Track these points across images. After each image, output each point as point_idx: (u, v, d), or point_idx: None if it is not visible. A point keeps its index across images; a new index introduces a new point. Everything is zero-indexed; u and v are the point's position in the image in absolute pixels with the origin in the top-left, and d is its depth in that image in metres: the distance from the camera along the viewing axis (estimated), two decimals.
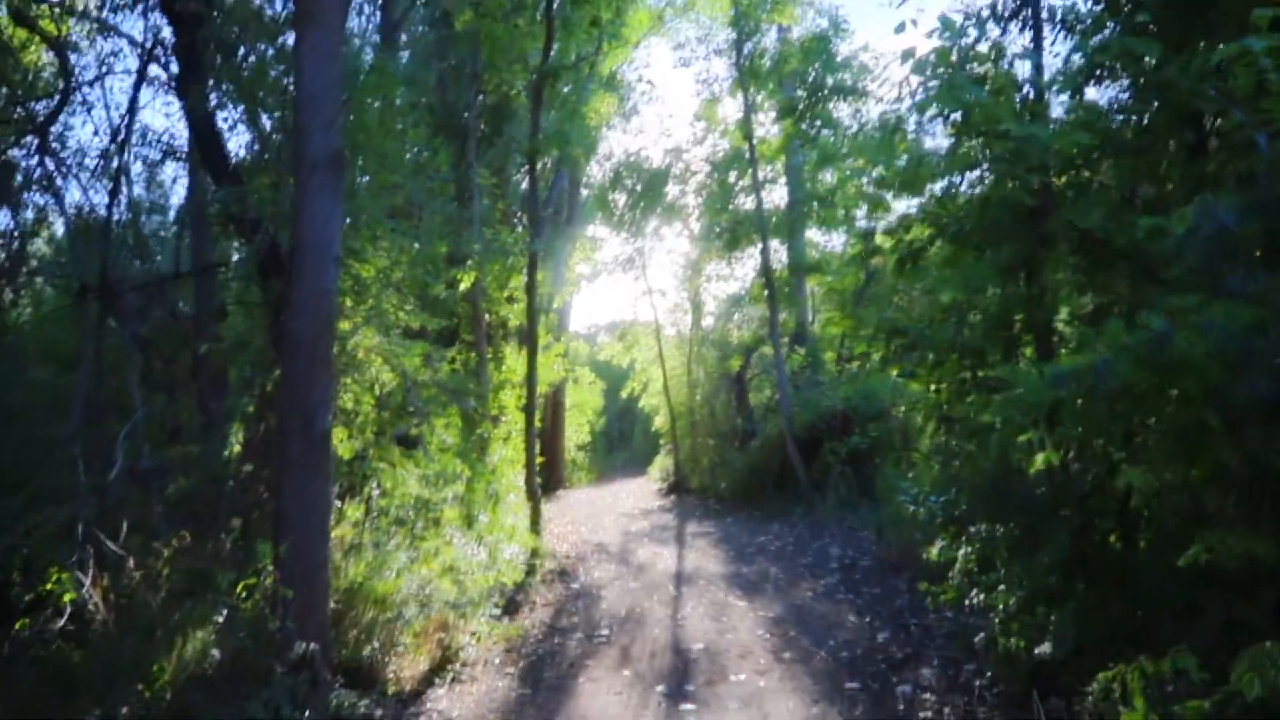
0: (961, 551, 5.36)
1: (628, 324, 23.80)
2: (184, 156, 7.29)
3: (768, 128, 16.93)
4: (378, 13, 14.97)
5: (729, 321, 20.69)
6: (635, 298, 21.26)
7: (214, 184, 5.99)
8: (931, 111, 4.10)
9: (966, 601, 5.43)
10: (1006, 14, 5.30)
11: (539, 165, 17.07)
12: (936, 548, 5.71)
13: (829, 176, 17.00)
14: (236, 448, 5.77)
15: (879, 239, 6.25)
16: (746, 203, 17.04)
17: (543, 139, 10.33)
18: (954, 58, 4.36)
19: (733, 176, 17.31)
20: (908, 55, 4.71)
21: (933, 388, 5.73)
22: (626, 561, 10.39)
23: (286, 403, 5.11)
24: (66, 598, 4.49)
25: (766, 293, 14.77)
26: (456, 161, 13.23)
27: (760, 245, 15.10)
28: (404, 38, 16.23)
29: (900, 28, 4.72)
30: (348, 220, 6.46)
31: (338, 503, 6.44)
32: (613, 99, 20.92)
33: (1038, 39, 5.31)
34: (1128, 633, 3.98)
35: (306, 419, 5.02)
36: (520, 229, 15.12)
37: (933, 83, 4.21)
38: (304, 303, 5.06)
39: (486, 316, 14.56)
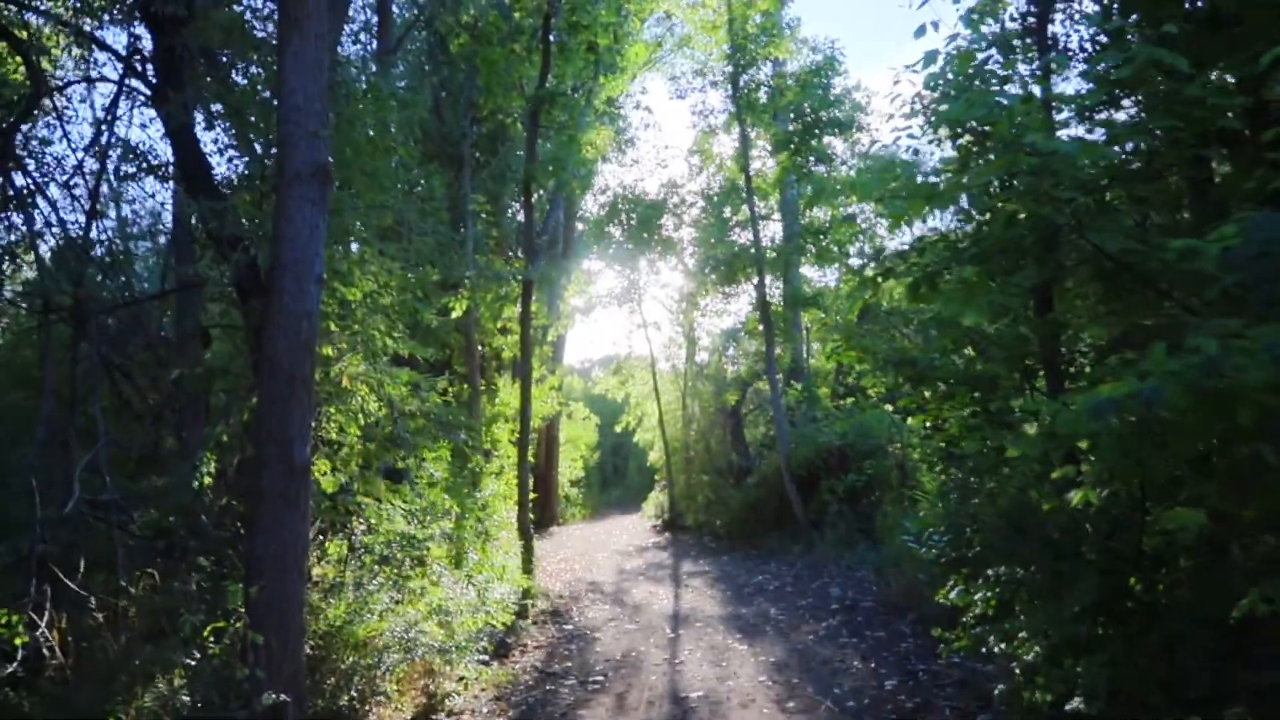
0: (978, 595, 5.03)
1: (622, 359, 23.54)
2: (165, 173, 7.03)
3: (764, 160, 16.90)
4: (374, 40, 15.01)
5: (724, 356, 20.49)
6: (630, 331, 20.98)
7: (193, 199, 5.74)
8: (951, 116, 3.85)
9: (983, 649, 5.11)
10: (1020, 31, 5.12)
11: (535, 194, 17.04)
12: (951, 590, 5.38)
13: (823, 213, 16.95)
14: (209, 479, 5.45)
15: (871, 270, 5.95)
16: (742, 236, 16.94)
17: (539, 166, 10.14)
18: (970, 69, 4.17)
19: (727, 211, 17.25)
20: (930, 58, 4.51)
21: (941, 421, 5.42)
22: (621, 601, 10.02)
23: (263, 431, 4.81)
24: (18, 641, 4.15)
25: (763, 326, 14.54)
26: (451, 187, 13.07)
27: (756, 279, 14.87)
28: (400, 67, 16.23)
29: (920, 31, 4.52)
30: (338, 247, 6.24)
31: (320, 539, 6.12)
32: (609, 131, 20.96)
33: (1044, 58, 5.14)
34: (1165, 686, 3.68)
35: (284, 448, 4.71)
36: (515, 259, 14.93)
37: (950, 91, 4.01)
38: (283, 324, 4.78)
39: (480, 348, 14.30)
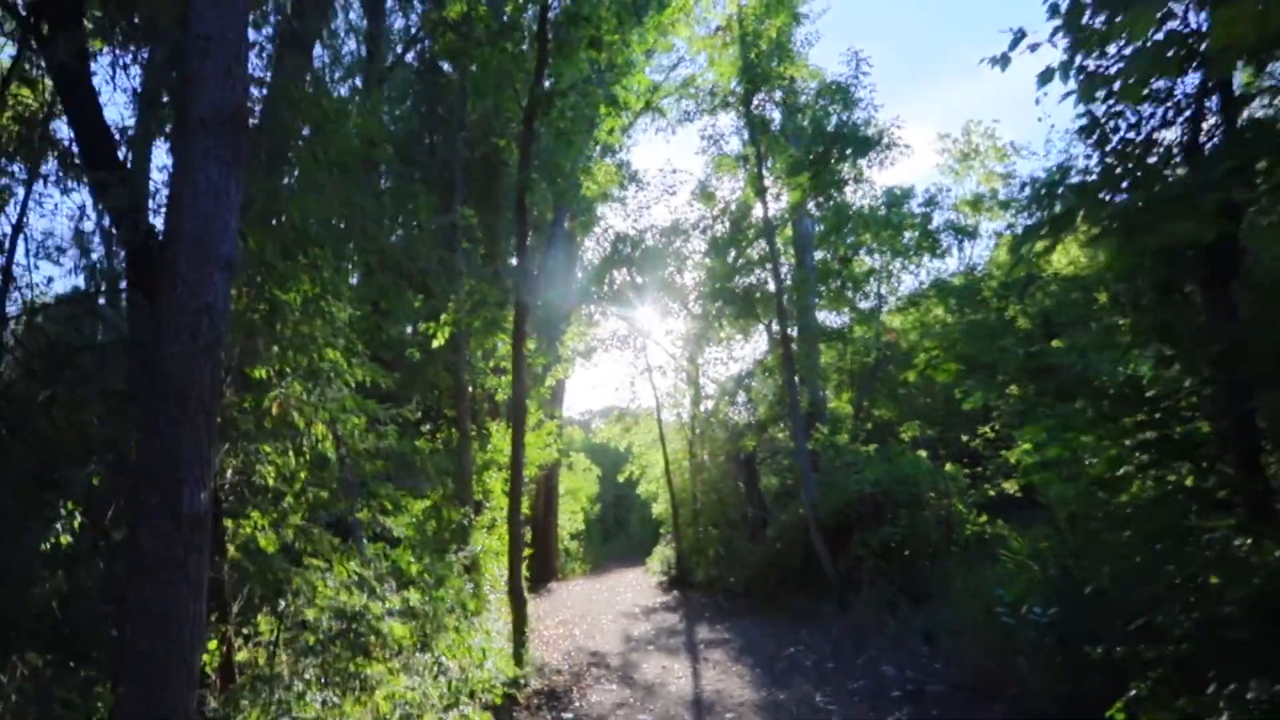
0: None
1: (625, 408, 22.26)
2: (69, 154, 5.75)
3: (778, 193, 15.76)
4: (362, 74, 14.08)
5: (734, 401, 19.15)
6: (633, 378, 19.78)
7: (86, 164, 4.50)
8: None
9: None
10: None
11: (531, 211, 15.90)
12: (1134, 704, 3.74)
13: (827, 255, 15.76)
14: (67, 539, 4.09)
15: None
16: (753, 275, 15.75)
17: (532, 174, 8.92)
18: None
19: (733, 252, 16.04)
20: (1047, 75, 3.47)
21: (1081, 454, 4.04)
22: (630, 679, 8.50)
23: (144, 470, 3.46)
24: None
25: (784, 362, 13.21)
26: (442, 211, 11.93)
27: (774, 314, 13.60)
28: (389, 92, 15.24)
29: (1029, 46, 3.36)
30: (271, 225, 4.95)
31: (245, 617, 4.71)
32: (611, 167, 19.96)
33: None
34: None
35: (170, 494, 3.36)
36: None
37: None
38: (175, 322, 3.47)
39: (471, 389, 12.96)
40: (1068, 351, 4.30)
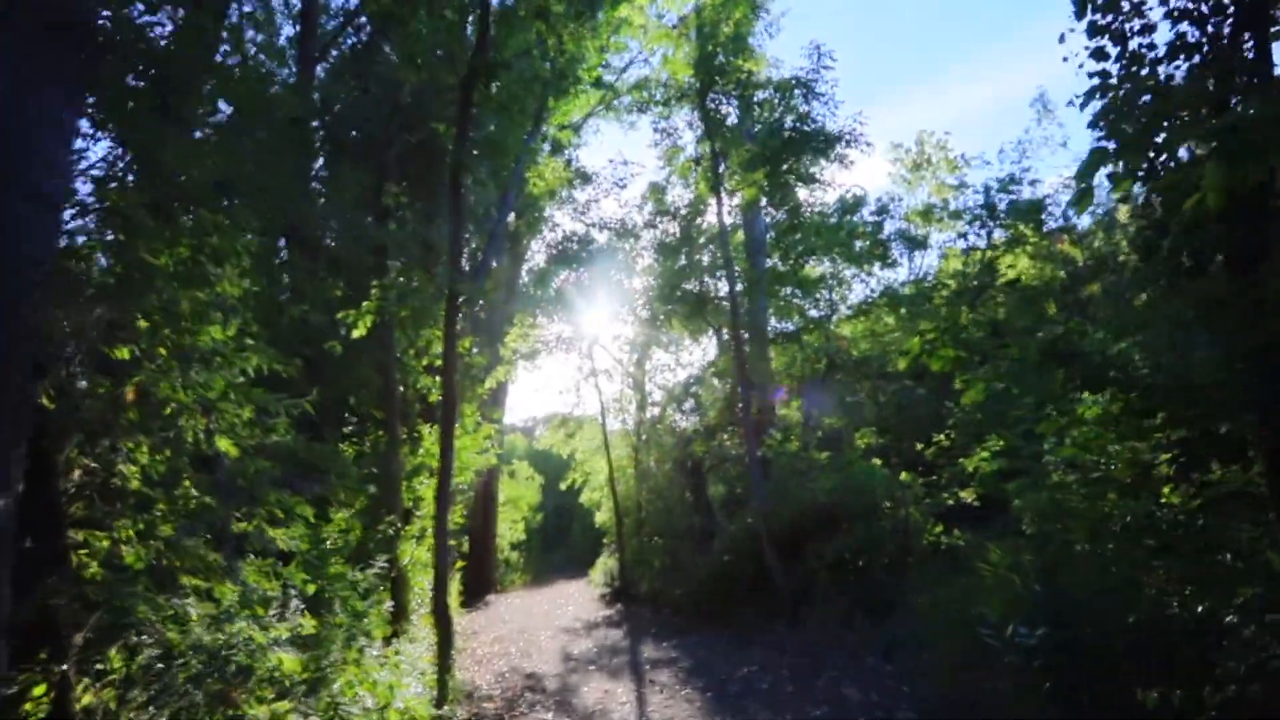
0: None
1: (569, 414, 21.49)
2: None
3: (732, 189, 15.23)
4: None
5: (681, 407, 18.55)
6: (578, 383, 19.11)
7: None
8: None
9: None
10: None
11: (476, 209, 15.10)
12: None
13: (776, 262, 15.29)
14: None
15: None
16: (702, 281, 15.17)
17: (470, 151, 8.15)
18: None
19: (680, 255, 15.46)
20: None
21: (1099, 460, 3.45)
22: (568, 705, 7.74)
23: None
24: None
25: (736, 363, 12.62)
26: (373, 194, 11.09)
27: (722, 322, 13.01)
28: (321, 75, 14.33)
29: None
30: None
31: (94, 652, 3.84)
32: (558, 164, 19.23)
33: None
34: None
35: None
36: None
37: None
38: None
39: (402, 389, 12.07)
40: (1095, 336, 3.73)
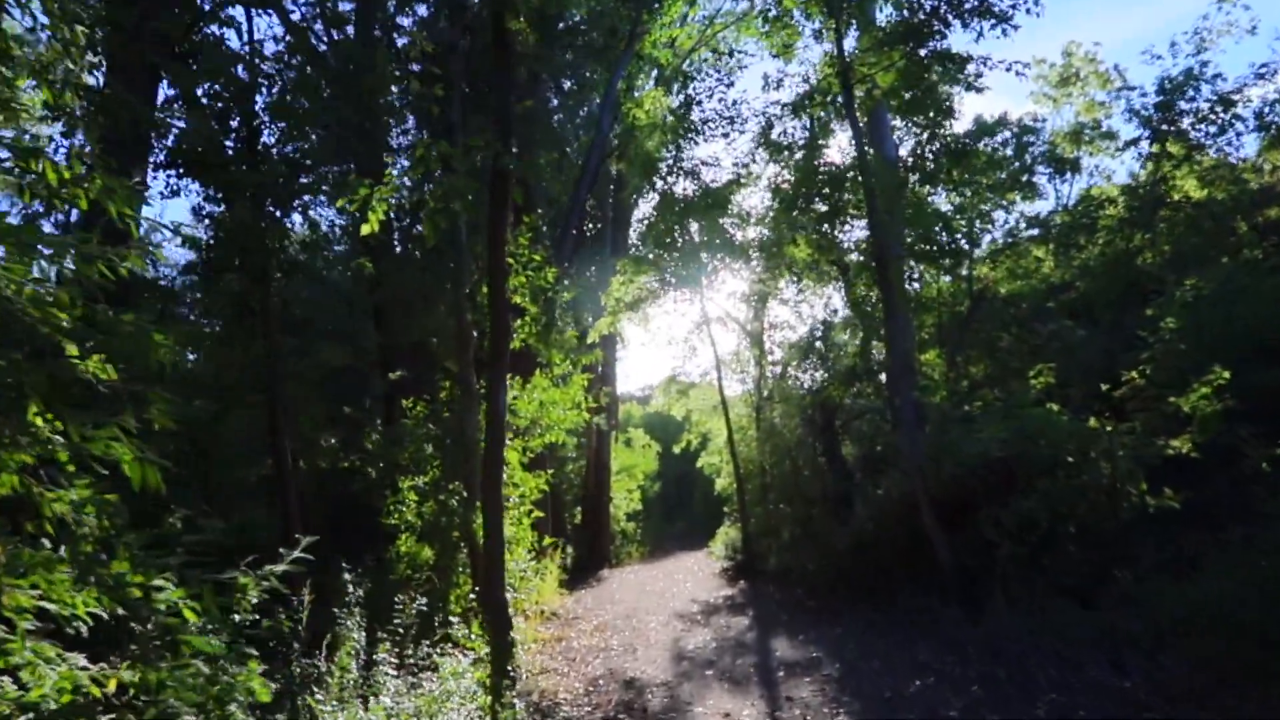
0: None
1: (681, 369, 19.47)
2: None
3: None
4: None
5: (806, 357, 16.12)
6: (690, 334, 17.11)
7: None
8: None
9: None
10: None
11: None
12: None
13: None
14: None
15: None
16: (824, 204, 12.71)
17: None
18: None
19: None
20: None
21: None
22: None
23: None
24: None
25: (878, 287, 10.19)
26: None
27: (864, 218, 10.58)
28: None
29: None
30: None
31: None
32: (659, 94, 17.07)
33: None
34: None
35: None
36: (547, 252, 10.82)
37: None
38: None
39: (476, 333, 10.34)
40: None
